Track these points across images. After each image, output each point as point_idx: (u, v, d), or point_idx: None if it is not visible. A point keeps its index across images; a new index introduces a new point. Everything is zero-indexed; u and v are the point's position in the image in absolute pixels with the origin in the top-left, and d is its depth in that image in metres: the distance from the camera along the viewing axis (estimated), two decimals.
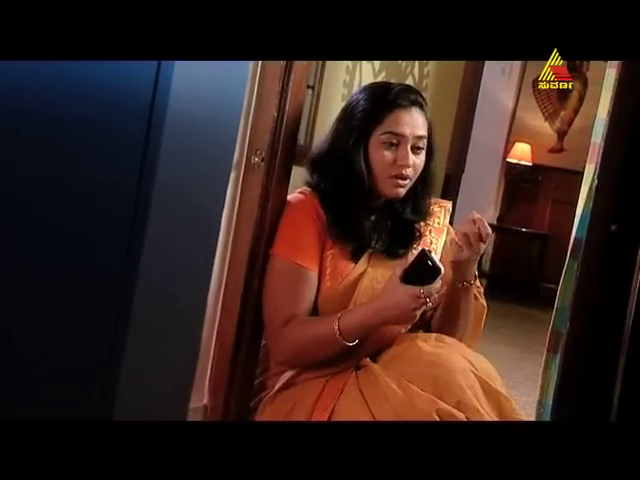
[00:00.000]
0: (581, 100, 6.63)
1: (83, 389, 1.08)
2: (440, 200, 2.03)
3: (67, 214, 1.05)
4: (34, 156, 0.99)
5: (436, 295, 1.70)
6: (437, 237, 1.96)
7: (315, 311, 1.83)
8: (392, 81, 1.93)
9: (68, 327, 1.07)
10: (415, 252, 1.81)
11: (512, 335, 4.89)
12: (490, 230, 1.78)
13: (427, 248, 1.73)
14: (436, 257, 1.73)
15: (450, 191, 4.87)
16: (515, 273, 6.74)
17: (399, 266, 1.72)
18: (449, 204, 2.02)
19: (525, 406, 3.14)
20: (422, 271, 1.69)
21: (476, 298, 1.94)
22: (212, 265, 1.30)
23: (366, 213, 1.86)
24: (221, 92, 1.18)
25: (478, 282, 1.96)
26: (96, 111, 1.03)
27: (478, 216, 1.78)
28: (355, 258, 1.85)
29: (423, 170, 1.86)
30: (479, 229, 1.76)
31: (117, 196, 1.09)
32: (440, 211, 1.99)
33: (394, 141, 1.79)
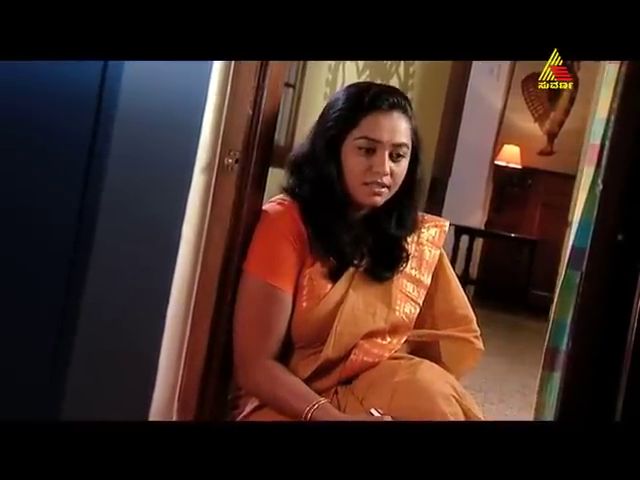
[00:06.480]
0: (572, 101, 6.66)
1: (24, 408, 1.05)
2: (437, 218, 1.95)
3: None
4: None
5: None
6: (430, 259, 1.87)
7: (288, 333, 1.74)
8: (377, 81, 1.84)
9: (6, 345, 1.01)
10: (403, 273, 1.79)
11: (500, 345, 4.83)
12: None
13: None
14: None
15: (437, 195, 4.86)
16: (503, 280, 6.80)
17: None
18: (446, 224, 1.94)
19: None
20: None
21: (470, 342, 1.84)
22: (171, 277, 1.23)
23: (345, 225, 1.76)
24: (180, 88, 1.11)
25: (474, 325, 1.86)
26: (37, 109, 0.95)
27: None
28: (334, 277, 1.75)
29: (407, 179, 1.75)
30: None
31: (59, 203, 0.99)
32: (436, 231, 1.90)
33: (370, 147, 1.69)
